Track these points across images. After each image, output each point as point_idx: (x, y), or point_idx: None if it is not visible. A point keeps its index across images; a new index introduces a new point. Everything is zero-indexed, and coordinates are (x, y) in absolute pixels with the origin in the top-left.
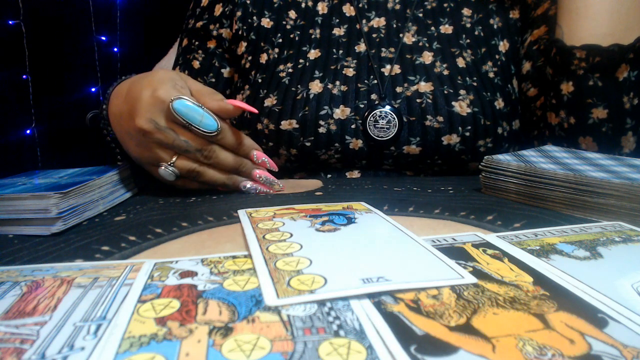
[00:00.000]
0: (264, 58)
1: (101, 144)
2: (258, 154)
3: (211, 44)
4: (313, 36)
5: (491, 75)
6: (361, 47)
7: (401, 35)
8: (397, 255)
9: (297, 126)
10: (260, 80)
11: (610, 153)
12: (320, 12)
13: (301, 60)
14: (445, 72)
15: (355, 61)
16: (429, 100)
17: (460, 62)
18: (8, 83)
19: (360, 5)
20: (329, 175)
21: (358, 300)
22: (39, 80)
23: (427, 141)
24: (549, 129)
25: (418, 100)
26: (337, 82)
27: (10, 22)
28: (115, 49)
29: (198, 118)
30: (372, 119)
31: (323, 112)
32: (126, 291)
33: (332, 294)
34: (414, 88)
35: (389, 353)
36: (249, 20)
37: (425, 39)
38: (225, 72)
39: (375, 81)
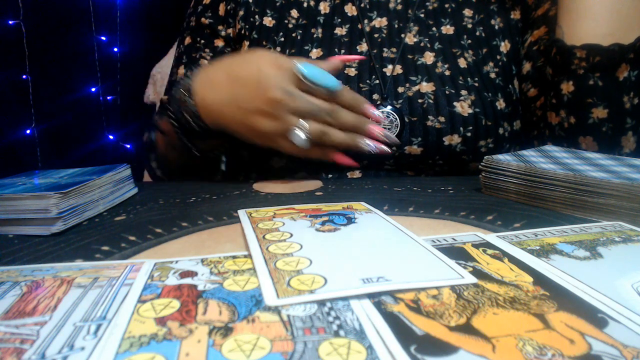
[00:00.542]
0: None
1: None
2: (370, 107)
3: (219, 42)
4: (315, 35)
5: (492, 75)
6: (363, 47)
7: (403, 35)
8: (397, 255)
9: None
10: None
11: (610, 153)
12: (322, 12)
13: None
14: (447, 73)
15: (357, 61)
16: (431, 101)
17: (462, 63)
18: (8, 83)
19: (362, 5)
20: (329, 175)
21: (358, 300)
22: (39, 80)
23: (429, 141)
24: (549, 128)
25: (420, 101)
26: (339, 82)
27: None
28: (115, 49)
29: (323, 79)
30: None
31: None
32: (126, 291)
33: (332, 294)
34: (415, 88)
35: (389, 353)
36: (251, 19)
37: (427, 39)
38: None
39: (377, 81)
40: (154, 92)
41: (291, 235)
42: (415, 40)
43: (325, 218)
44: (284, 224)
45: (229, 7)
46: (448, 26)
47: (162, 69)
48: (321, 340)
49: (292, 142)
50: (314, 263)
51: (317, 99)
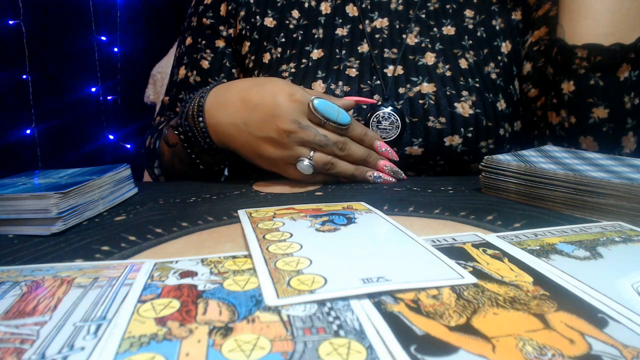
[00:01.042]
0: (266, 58)
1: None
2: (381, 144)
3: (220, 43)
4: (316, 36)
5: (493, 76)
6: (364, 48)
7: (404, 36)
8: (397, 255)
9: None
10: None
11: (610, 153)
12: (324, 12)
13: (304, 60)
14: (448, 73)
15: (358, 62)
16: (432, 102)
17: (463, 64)
18: (8, 83)
19: (364, 5)
20: None
21: (358, 300)
22: (39, 80)
23: (430, 142)
24: (550, 128)
25: (420, 101)
26: (340, 83)
27: (10, 22)
28: (115, 49)
29: (335, 114)
30: (375, 119)
31: None
32: (126, 291)
33: (332, 294)
34: (416, 89)
35: (389, 353)
36: (252, 20)
37: (428, 40)
38: (236, 72)
39: (378, 82)
40: (154, 92)
41: (291, 235)
42: (416, 40)
43: (325, 218)
44: (284, 224)
45: (230, 7)
46: (449, 27)
47: (162, 69)
48: (321, 340)
49: (297, 170)
50: (314, 263)
51: (328, 131)
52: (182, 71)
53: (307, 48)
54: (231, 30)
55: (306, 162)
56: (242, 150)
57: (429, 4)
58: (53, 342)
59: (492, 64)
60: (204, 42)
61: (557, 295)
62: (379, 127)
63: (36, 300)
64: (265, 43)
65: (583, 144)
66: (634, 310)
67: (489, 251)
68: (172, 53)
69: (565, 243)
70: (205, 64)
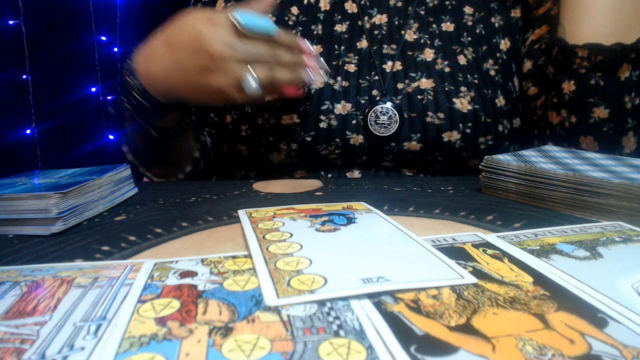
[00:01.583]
0: None
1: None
2: (304, 42)
3: None
4: (315, 32)
5: (492, 73)
6: (363, 44)
7: (403, 32)
8: (397, 255)
9: (297, 121)
10: None
11: (611, 153)
12: (323, 9)
13: None
14: (447, 70)
15: (356, 57)
16: (430, 97)
17: (462, 60)
18: (8, 83)
19: (362, 2)
20: (329, 175)
21: (358, 300)
22: (39, 80)
23: (428, 137)
24: (550, 128)
25: (419, 97)
26: (339, 78)
27: (10, 22)
28: (115, 49)
29: (261, 24)
30: (373, 114)
31: (324, 107)
32: (126, 291)
33: (332, 294)
34: (415, 84)
35: (389, 353)
36: None
37: (427, 36)
38: None
39: (377, 77)
40: None
41: (291, 235)
42: (415, 37)
43: (325, 218)
44: (284, 224)
45: (228, 3)
46: (448, 23)
47: None
48: (321, 340)
49: (244, 92)
50: (314, 263)
51: (258, 44)
52: None
53: None
54: None
55: (250, 79)
56: (184, 92)
57: (427, 0)
58: (53, 342)
59: (490, 61)
60: None
61: (557, 295)
62: (377, 122)
63: (36, 300)
64: None
65: (583, 143)
66: (634, 310)
67: (489, 251)
68: None
69: (565, 243)
70: None
